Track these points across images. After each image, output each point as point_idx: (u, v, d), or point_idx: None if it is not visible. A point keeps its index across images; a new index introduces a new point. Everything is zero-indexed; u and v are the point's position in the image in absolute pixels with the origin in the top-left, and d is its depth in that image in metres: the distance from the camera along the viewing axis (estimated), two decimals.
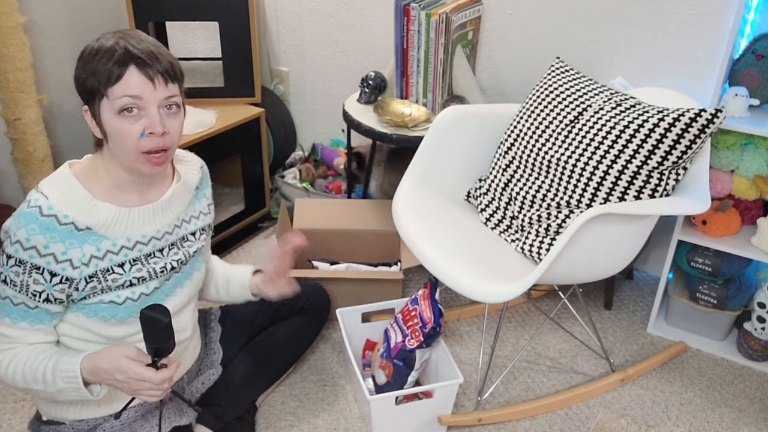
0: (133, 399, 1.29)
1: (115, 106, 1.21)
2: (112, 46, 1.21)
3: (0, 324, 1.29)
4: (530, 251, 1.71)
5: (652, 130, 1.55)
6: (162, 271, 1.39)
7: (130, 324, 1.36)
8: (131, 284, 1.34)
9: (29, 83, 2.18)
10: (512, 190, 1.80)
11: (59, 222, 1.24)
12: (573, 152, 1.66)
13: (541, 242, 1.69)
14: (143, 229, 1.35)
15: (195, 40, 2.89)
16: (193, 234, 1.47)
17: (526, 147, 1.78)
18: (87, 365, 1.26)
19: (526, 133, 1.80)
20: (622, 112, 1.63)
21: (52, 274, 1.25)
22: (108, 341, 1.36)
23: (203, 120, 2.27)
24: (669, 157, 1.54)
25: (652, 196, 1.58)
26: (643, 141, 1.56)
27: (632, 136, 1.57)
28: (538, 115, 1.79)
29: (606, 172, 1.59)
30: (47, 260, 1.24)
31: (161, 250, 1.39)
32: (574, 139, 1.67)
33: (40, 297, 1.26)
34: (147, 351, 1.23)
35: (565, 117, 1.73)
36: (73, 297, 1.30)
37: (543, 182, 1.72)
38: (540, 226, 1.71)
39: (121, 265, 1.32)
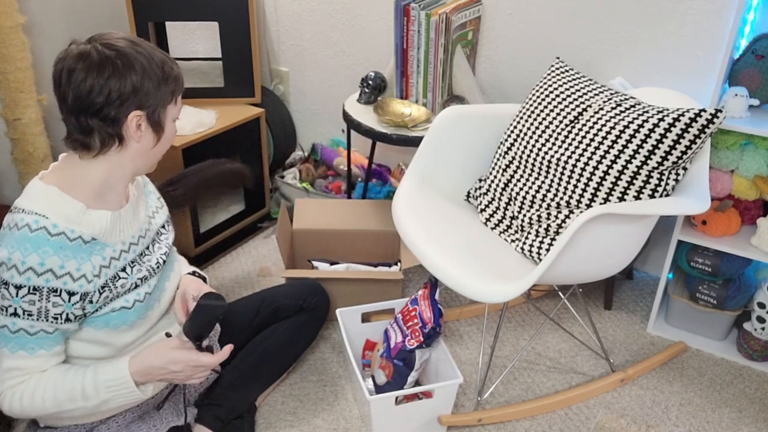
0: (173, 390, 1.43)
1: (177, 110, 1.31)
2: (156, 56, 1.25)
3: (14, 358, 1.24)
4: (530, 251, 1.71)
5: (652, 131, 1.55)
6: (157, 267, 1.41)
7: (138, 327, 1.38)
8: (136, 286, 1.35)
9: (29, 83, 2.18)
10: (512, 190, 1.80)
11: (68, 238, 1.22)
12: (573, 152, 1.66)
13: (541, 242, 1.69)
14: (131, 229, 1.36)
15: (195, 40, 2.89)
16: (163, 227, 1.49)
17: (526, 147, 1.78)
18: (136, 368, 1.29)
19: (526, 134, 1.80)
20: (622, 112, 1.63)
21: (71, 294, 1.22)
22: (114, 351, 1.36)
23: (203, 120, 2.27)
24: (669, 157, 1.54)
25: (652, 196, 1.58)
26: (643, 141, 1.56)
27: (632, 136, 1.57)
28: (538, 115, 1.79)
29: (606, 172, 1.59)
30: (64, 280, 1.21)
31: (148, 247, 1.40)
32: (574, 139, 1.67)
33: (60, 318, 1.23)
34: (187, 336, 1.32)
35: (565, 117, 1.73)
36: (86, 311, 1.28)
37: (543, 182, 1.72)
38: (540, 226, 1.71)
39: (124, 269, 1.33)
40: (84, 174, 1.27)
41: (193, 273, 1.57)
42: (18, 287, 1.19)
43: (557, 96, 1.78)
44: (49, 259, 1.19)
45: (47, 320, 1.22)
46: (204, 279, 1.57)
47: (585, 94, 1.75)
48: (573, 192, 1.65)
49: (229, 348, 1.37)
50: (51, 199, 1.23)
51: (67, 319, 1.25)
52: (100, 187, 1.28)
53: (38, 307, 1.21)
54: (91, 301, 1.27)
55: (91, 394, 1.27)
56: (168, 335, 1.40)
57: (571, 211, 1.66)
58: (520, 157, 1.80)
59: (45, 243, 1.19)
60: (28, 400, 1.25)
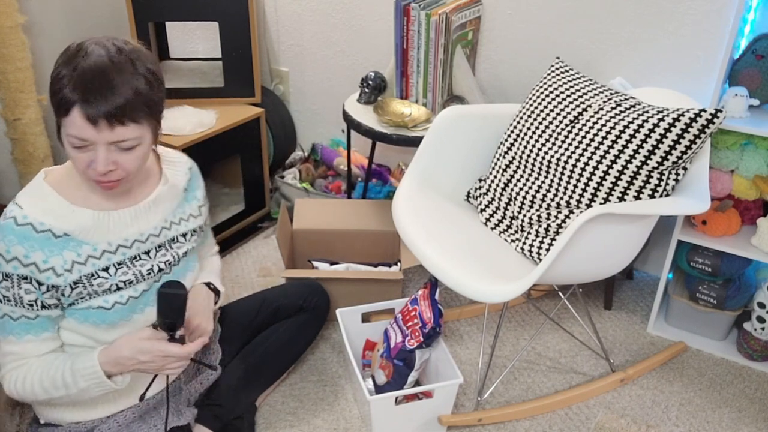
0: (154, 379, 1.35)
1: (74, 130, 1.16)
2: (70, 68, 1.14)
3: (6, 343, 1.29)
4: (530, 251, 1.71)
5: (651, 130, 1.55)
6: (149, 273, 1.38)
7: (122, 327, 1.36)
8: (119, 288, 1.33)
9: (29, 83, 2.18)
10: (512, 190, 1.80)
11: (35, 230, 1.24)
12: (573, 152, 1.66)
13: (541, 242, 1.69)
14: (125, 232, 1.34)
15: (195, 40, 2.89)
16: (184, 236, 1.46)
17: (526, 147, 1.79)
18: (105, 358, 1.28)
19: (526, 133, 1.80)
20: (622, 112, 1.63)
21: (39, 283, 1.25)
22: (101, 346, 1.36)
23: (203, 120, 2.27)
24: (669, 157, 1.54)
25: (652, 196, 1.58)
26: (643, 141, 1.56)
27: (632, 136, 1.57)
28: (538, 115, 1.79)
29: (606, 172, 1.59)
30: (31, 269, 1.24)
31: (147, 252, 1.38)
32: (574, 139, 1.67)
33: (36, 305, 1.26)
34: (160, 327, 1.28)
35: (565, 117, 1.73)
36: (61, 302, 1.29)
37: (543, 182, 1.72)
38: (540, 226, 1.71)
39: (106, 269, 1.32)
40: (74, 174, 1.31)
41: (208, 284, 1.55)
42: None
43: (557, 96, 1.78)
44: (13, 248, 1.22)
45: (23, 306, 1.26)
46: (217, 293, 1.56)
47: (585, 94, 1.75)
48: (573, 192, 1.65)
49: (201, 341, 1.31)
50: (36, 193, 1.27)
51: (44, 306, 1.27)
52: (85, 188, 1.30)
53: (12, 293, 1.25)
54: (63, 294, 1.28)
55: (69, 383, 1.28)
56: (155, 327, 1.39)
57: (571, 211, 1.66)
58: (520, 157, 1.80)
59: (11, 232, 1.22)
60: (20, 384, 1.29)
